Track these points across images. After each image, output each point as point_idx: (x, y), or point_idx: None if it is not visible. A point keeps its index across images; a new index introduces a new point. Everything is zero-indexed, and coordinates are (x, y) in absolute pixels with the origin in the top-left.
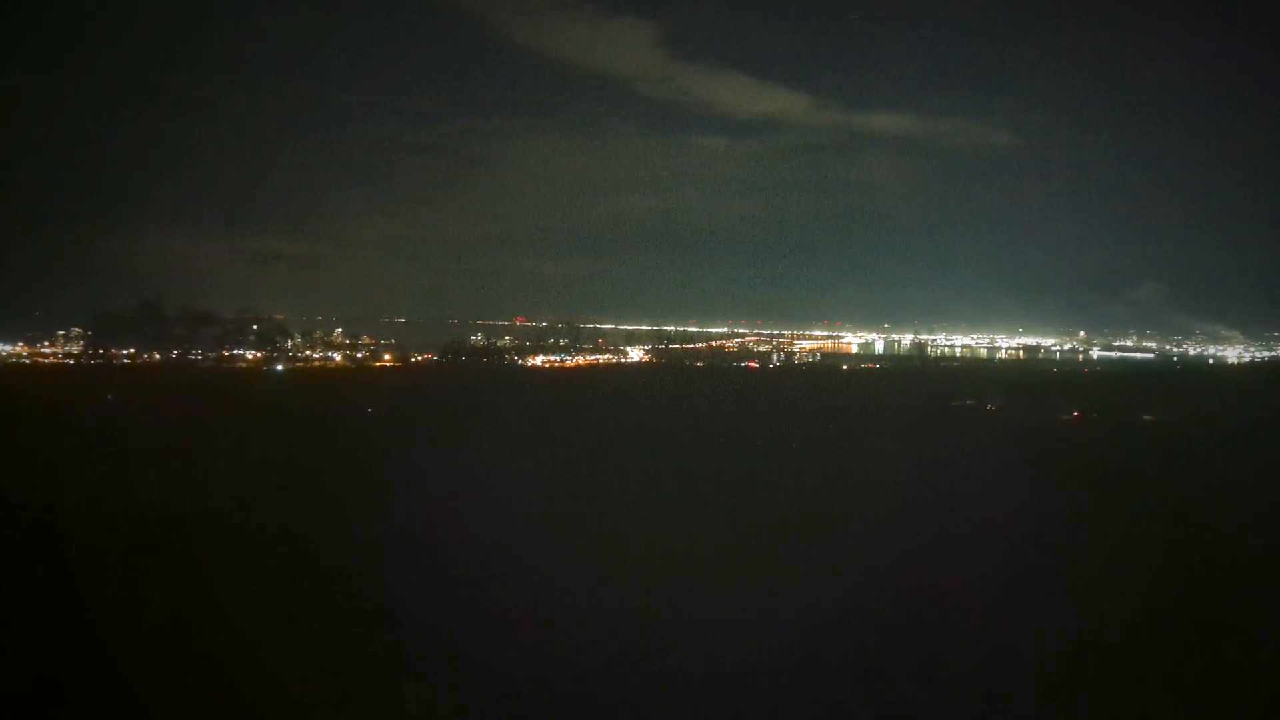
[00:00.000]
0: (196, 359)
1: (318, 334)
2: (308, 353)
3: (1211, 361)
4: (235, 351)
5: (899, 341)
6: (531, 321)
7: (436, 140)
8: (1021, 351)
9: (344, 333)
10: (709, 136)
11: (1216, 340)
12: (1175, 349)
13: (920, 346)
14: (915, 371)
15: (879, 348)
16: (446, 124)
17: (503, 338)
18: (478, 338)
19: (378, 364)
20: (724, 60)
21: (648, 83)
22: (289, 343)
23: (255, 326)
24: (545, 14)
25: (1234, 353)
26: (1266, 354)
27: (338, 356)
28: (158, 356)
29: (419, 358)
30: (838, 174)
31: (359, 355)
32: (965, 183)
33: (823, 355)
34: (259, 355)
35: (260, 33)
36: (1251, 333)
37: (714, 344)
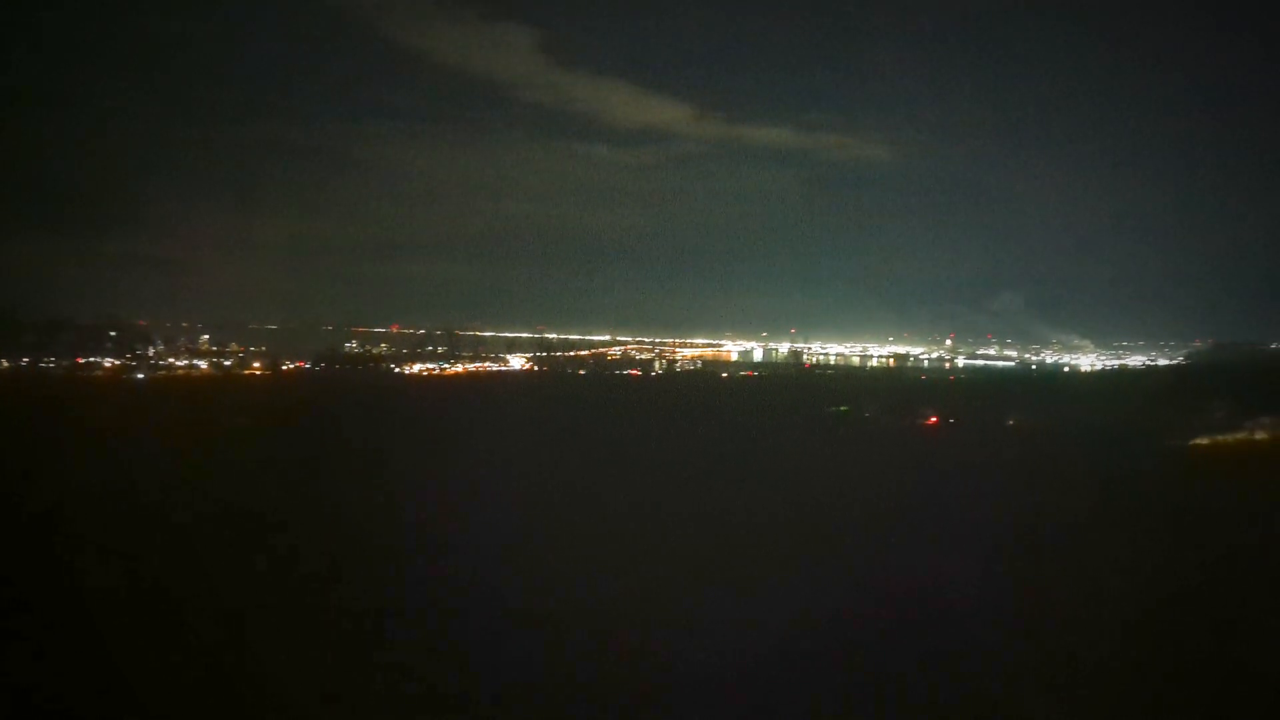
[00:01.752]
0: (49, 367)
1: (182, 341)
2: (171, 360)
3: (1066, 369)
4: (91, 359)
5: (776, 350)
6: (409, 328)
7: (312, 142)
8: (892, 359)
9: (211, 339)
10: (592, 144)
11: (1070, 349)
12: (1034, 357)
13: (796, 354)
14: (790, 379)
15: (757, 356)
16: (323, 126)
17: (379, 345)
18: (353, 345)
19: (246, 372)
20: (607, 68)
21: (530, 89)
22: (151, 350)
23: (114, 333)
24: (426, 17)
25: (1087, 361)
26: (1115, 362)
27: (204, 364)
28: (6, 364)
29: (290, 365)
30: (720, 185)
31: (226, 363)
32: (841, 195)
33: (704, 363)
34: (118, 363)
35: (129, 28)
36: (1101, 342)
37: (596, 352)
